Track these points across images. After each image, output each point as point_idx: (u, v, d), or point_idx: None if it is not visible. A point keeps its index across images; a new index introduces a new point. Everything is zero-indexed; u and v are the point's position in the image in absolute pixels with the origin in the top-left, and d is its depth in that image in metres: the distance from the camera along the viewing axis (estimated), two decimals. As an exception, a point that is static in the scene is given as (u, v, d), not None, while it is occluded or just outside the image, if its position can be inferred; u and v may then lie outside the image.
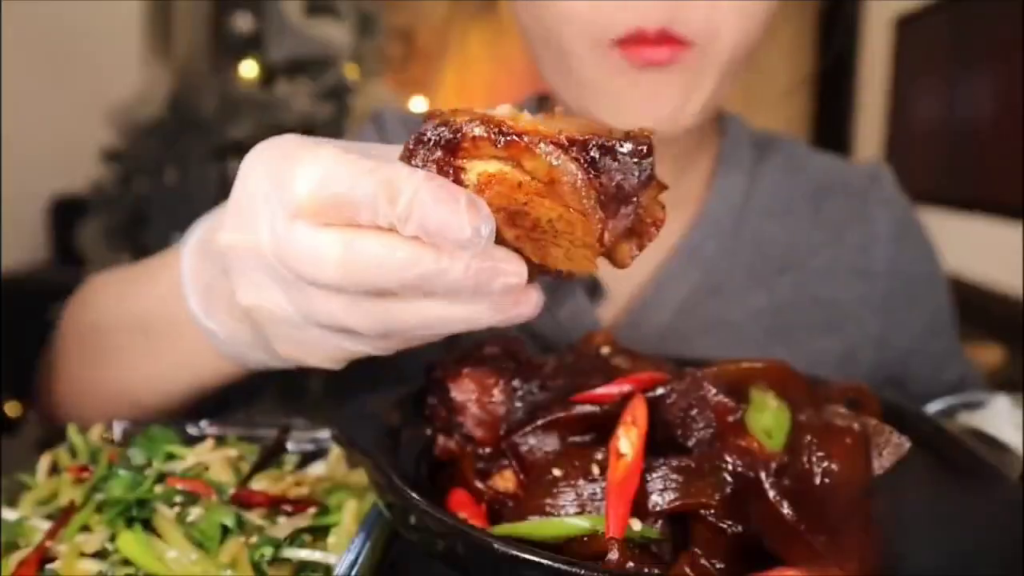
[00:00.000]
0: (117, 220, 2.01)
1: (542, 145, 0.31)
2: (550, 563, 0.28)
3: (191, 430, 0.50)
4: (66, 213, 2.81)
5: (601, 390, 0.36)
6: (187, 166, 1.96)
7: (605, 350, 0.40)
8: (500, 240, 0.32)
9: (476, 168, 0.32)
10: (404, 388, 0.44)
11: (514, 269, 0.32)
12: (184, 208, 1.88)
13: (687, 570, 0.31)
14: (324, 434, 0.49)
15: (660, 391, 0.35)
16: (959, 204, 2.60)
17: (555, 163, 0.31)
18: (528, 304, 0.34)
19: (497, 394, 0.38)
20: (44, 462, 0.45)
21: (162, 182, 1.96)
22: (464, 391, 0.38)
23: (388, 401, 0.41)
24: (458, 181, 0.32)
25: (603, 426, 0.35)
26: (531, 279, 0.33)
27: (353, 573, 0.35)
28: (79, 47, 2.86)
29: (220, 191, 1.89)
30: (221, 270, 0.42)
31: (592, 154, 0.31)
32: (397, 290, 0.33)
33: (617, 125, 0.36)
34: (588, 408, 0.36)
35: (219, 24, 2.04)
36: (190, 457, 0.46)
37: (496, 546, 0.29)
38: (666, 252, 0.69)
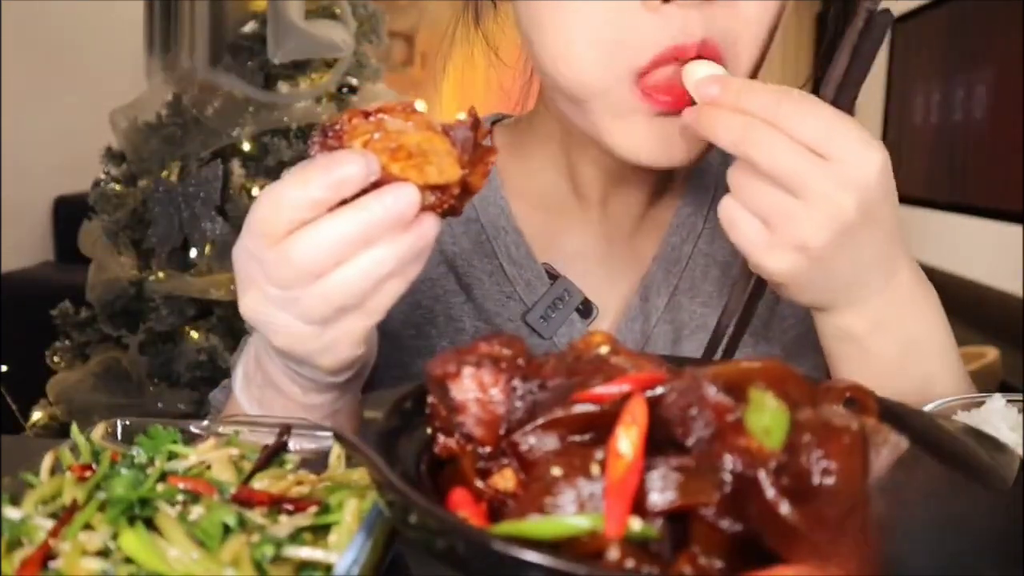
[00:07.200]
0: (119, 220, 2.01)
1: (392, 114, 0.45)
2: (550, 562, 0.28)
3: (193, 429, 0.50)
4: (68, 213, 2.82)
5: (601, 389, 0.36)
6: (189, 167, 1.96)
7: (604, 350, 0.40)
8: (391, 178, 0.44)
9: (357, 142, 0.44)
10: (404, 388, 0.44)
11: (406, 187, 0.43)
12: (186, 209, 1.88)
13: (686, 569, 0.31)
14: (325, 433, 0.49)
15: (659, 390, 0.35)
16: (957, 205, 2.59)
17: (406, 122, 0.45)
18: (429, 221, 0.44)
19: (497, 394, 0.38)
20: (47, 461, 0.46)
21: (164, 183, 1.96)
22: (464, 391, 0.38)
23: (388, 401, 0.41)
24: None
25: (603, 426, 0.35)
26: (424, 206, 0.45)
27: (354, 572, 0.35)
28: (82, 48, 2.87)
29: (221, 192, 1.89)
30: (260, 384, 0.53)
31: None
32: (339, 256, 0.43)
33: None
34: (588, 407, 0.36)
35: (221, 25, 2.04)
36: (192, 456, 0.46)
37: (495, 545, 0.29)
38: (647, 265, 0.70)
